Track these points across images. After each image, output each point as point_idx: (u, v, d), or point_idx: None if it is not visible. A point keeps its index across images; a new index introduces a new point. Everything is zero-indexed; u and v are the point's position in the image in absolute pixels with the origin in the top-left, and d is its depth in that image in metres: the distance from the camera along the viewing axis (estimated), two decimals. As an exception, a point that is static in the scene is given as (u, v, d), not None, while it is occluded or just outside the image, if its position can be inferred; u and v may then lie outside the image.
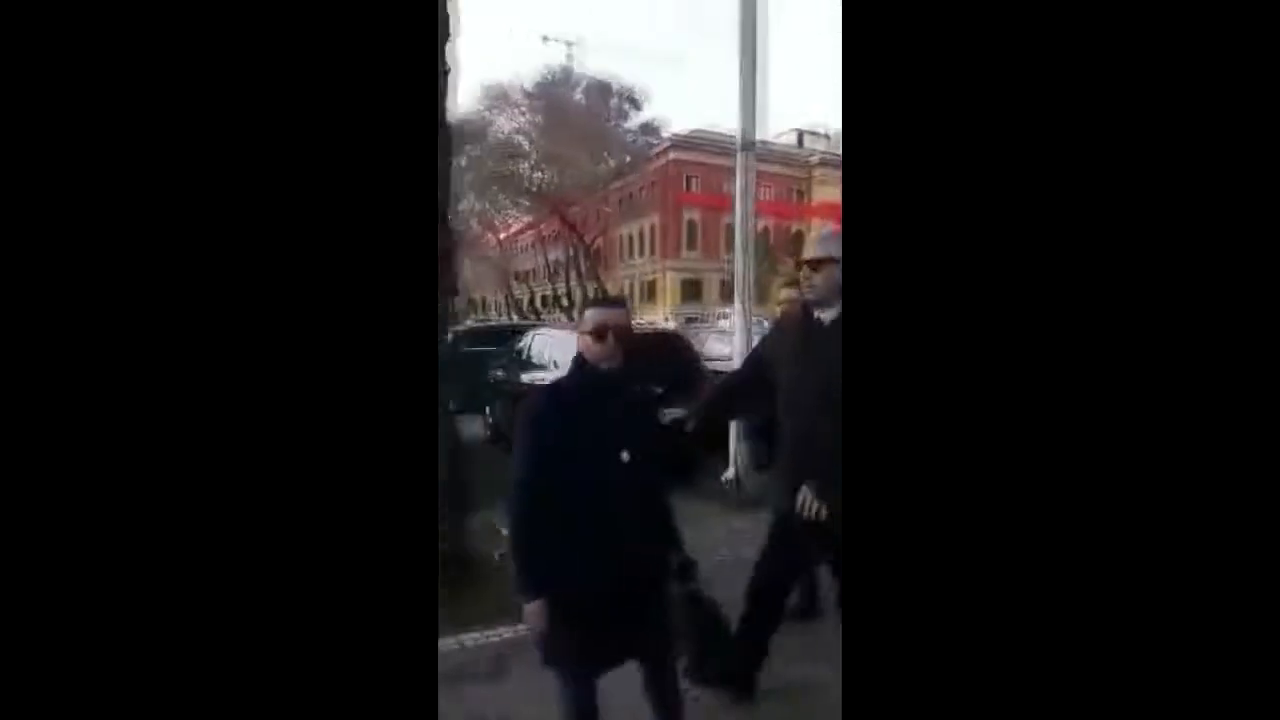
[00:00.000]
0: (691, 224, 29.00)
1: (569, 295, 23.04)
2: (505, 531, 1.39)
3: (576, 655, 1.37)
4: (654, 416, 1.52)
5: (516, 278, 30.63)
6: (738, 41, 4.20)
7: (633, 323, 1.46)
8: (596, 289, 22.22)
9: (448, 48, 2.76)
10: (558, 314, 22.66)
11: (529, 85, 19.36)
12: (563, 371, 1.45)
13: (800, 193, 31.40)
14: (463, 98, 18.75)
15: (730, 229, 4.68)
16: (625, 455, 1.35)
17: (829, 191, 29.47)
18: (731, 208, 4.47)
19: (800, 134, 33.92)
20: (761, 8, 4.18)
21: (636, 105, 20.89)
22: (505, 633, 2.31)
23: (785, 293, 2.56)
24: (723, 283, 26.05)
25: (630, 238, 30.95)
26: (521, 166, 20.58)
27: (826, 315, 1.79)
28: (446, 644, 2.32)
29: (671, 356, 4.79)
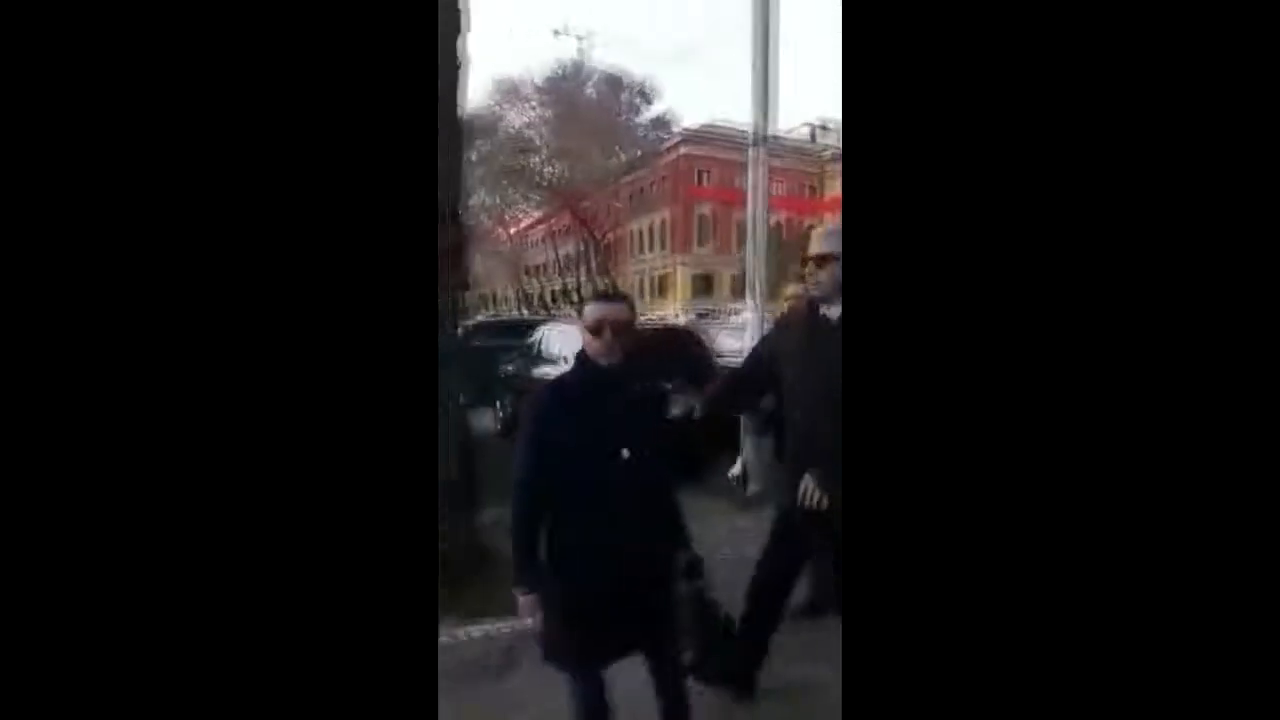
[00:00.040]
0: (703, 219, 28.90)
1: (579, 290, 23.08)
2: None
3: (573, 652, 1.37)
4: (659, 412, 1.49)
5: (528, 272, 30.74)
6: (750, 35, 4.16)
7: (635, 318, 1.44)
8: (607, 284, 22.25)
9: (459, 42, 2.76)
10: (568, 309, 22.74)
11: (540, 80, 19.38)
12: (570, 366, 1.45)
13: (813, 188, 31.17)
14: (474, 92, 18.78)
15: (742, 224, 4.66)
16: (625, 452, 1.33)
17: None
18: (744, 202, 4.44)
19: (813, 128, 33.65)
20: (774, 1, 4.14)
21: (648, 99, 20.86)
22: (517, 625, 2.33)
23: (792, 288, 2.55)
24: (734, 278, 25.97)
25: (642, 232, 30.91)
26: (533, 161, 20.63)
27: (831, 311, 1.78)
28: (458, 636, 2.34)
29: (681, 352, 4.79)
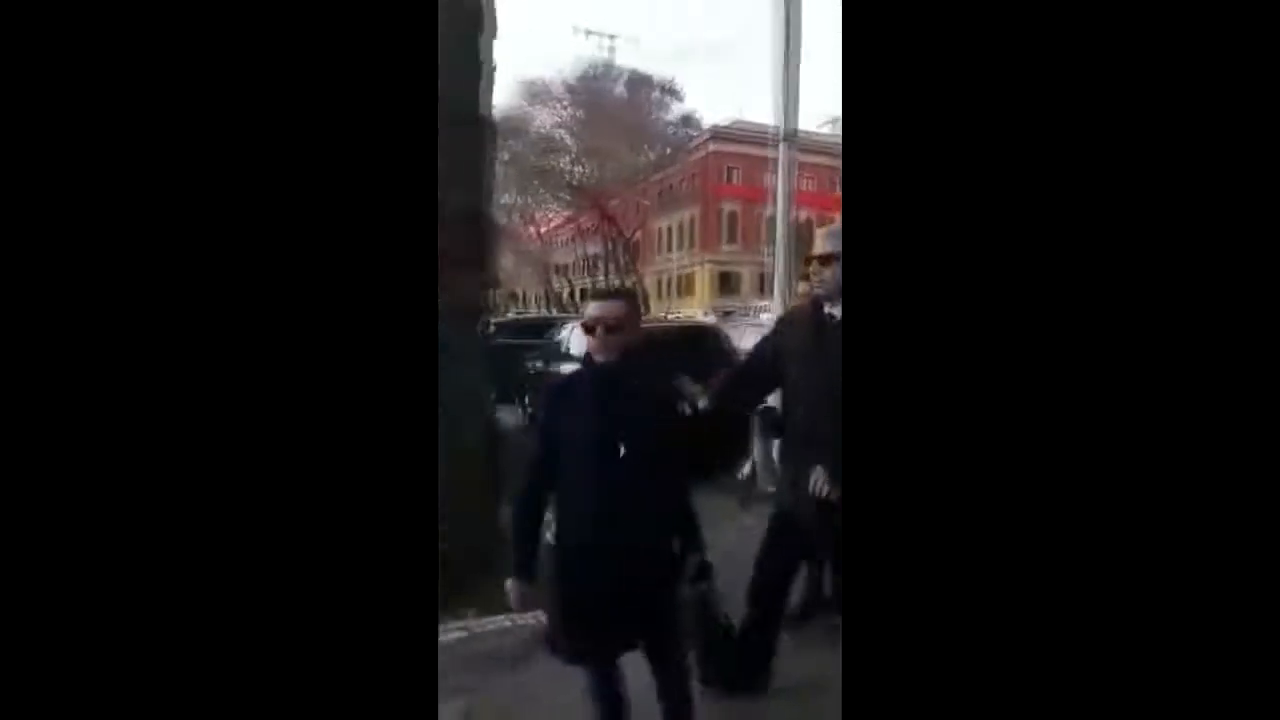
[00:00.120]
0: (731, 216, 28.69)
1: (606, 288, 23.11)
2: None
3: (571, 647, 1.39)
4: (661, 410, 1.44)
5: (556, 271, 30.93)
6: (777, 32, 4.13)
7: (637, 315, 1.42)
8: (633, 282, 22.27)
9: (488, 45, 2.82)
10: (595, 307, 22.68)
11: (570, 79, 19.48)
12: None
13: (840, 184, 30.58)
14: (504, 93, 18.98)
15: (769, 221, 4.63)
16: (622, 450, 1.32)
17: (873, 183, 28.47)
18: (770, 200, 4.42)
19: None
20: (803, -4, 4.11)
21: (677, 97, 20.80)
22: (541, 616, 2.37)
23: (803, 287, 2.54)
24: (761, 276, 25.72)
25: (669, 230, 30.83)
26: (562, 161, 20.75)
27: (835, 310, 1.78)
28: (482, 626, 2.40)
29: (699, 350, 4.76)
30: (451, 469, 2.58)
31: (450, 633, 2.38)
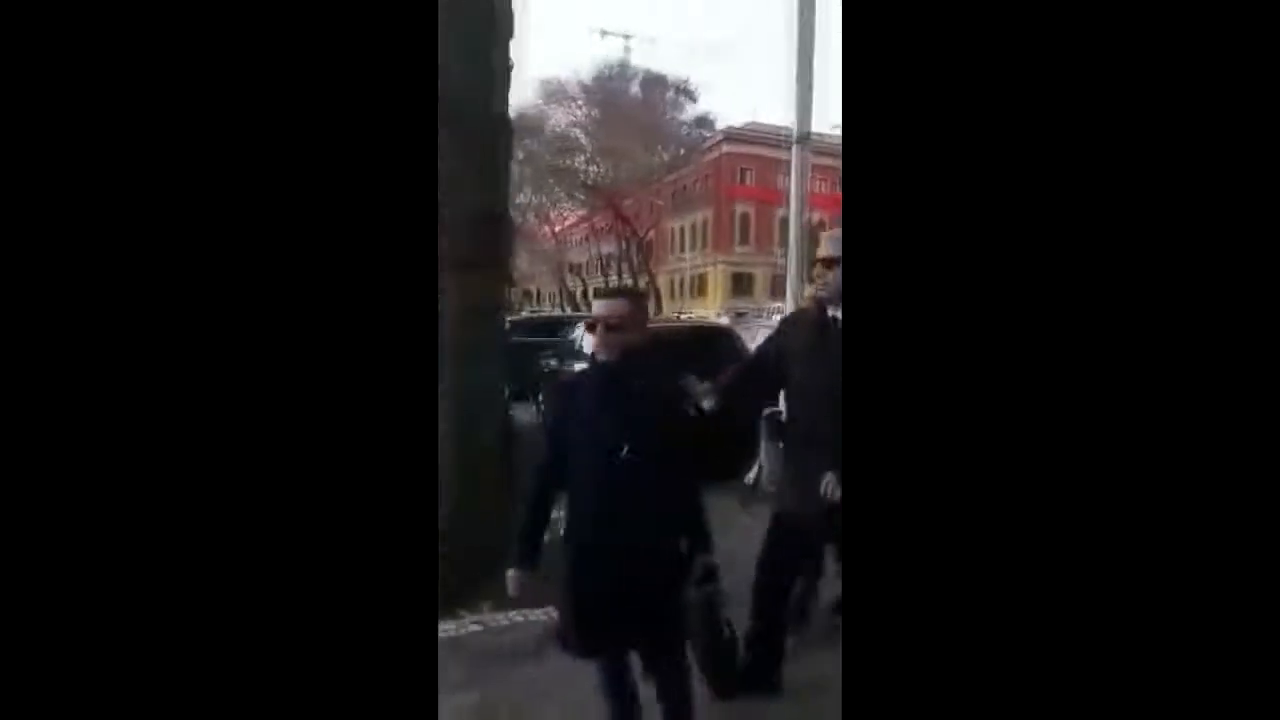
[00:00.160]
0: (744, 217, 28.58)
1: (619, 288, 23.11)
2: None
3: (576, 642, 1.41)
4: (665, 409, 1.41)
5: (570, 270, 31.02)
6: (793, 33, 4.13)
7: (640, 314, 1.41)
8: (645, 282, 22.27)
9: (507, 46, 2.84)
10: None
11: (586, 79, 19.52)
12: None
13: (858, 185, 30.26)
14: (520, 92, 19.07)
15: (783, 222, 4.63)
16: (624, 449, 1.32)
17: (889, 184, 28.18)
18: (784, 201, 4.41)
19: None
20: (820, -2, 4.10)
21: (692, 98, 20.76)
22: (553, 611, 2.40)
23: (809, 289, 2.55)
24: (774, 278, 25.60)
25: (682, 231, 30.80)
26: (577, 160, 20.80)
27: (839, 314, 1.79)
28: (497, 621, 2.43)
29: (711, 351, 4.75)
30: (466, 466, 2.61)
31: (466, 627, 2.41)
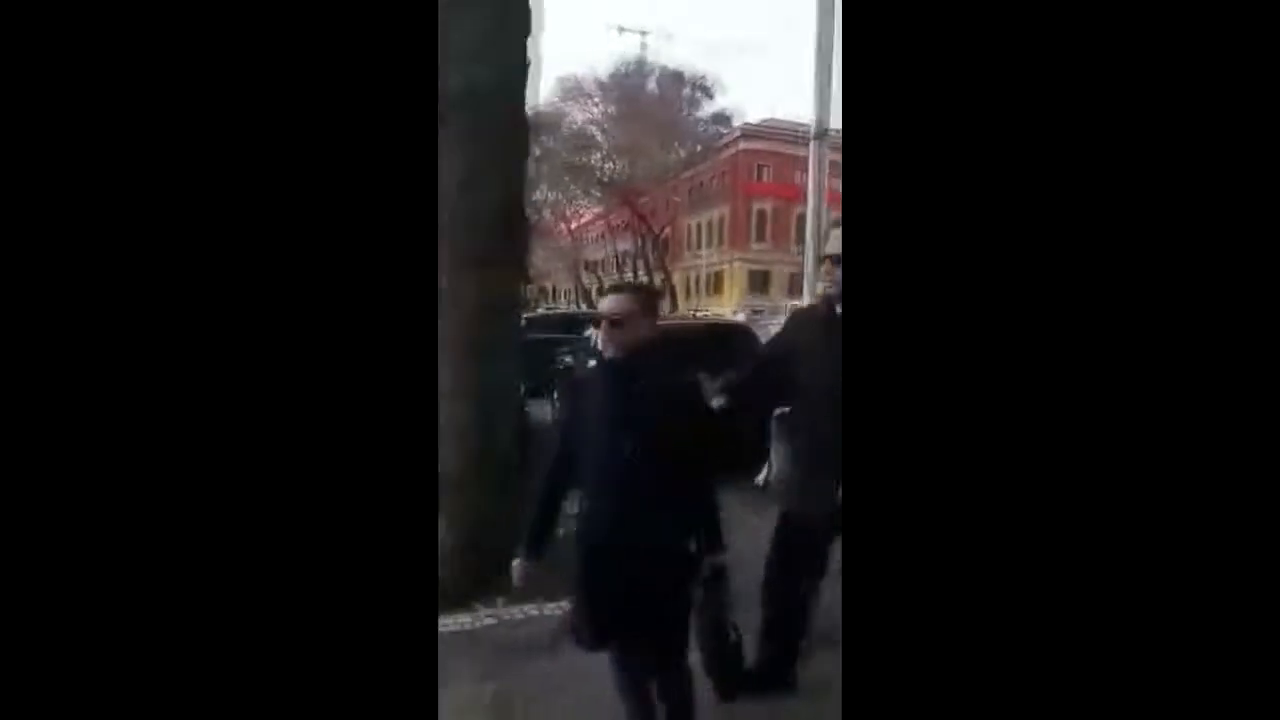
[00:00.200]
0: (761, 214, 28.43)
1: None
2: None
3: (586, 635, 1.42)
4: (675, 407, 1.38)
5: (586, 267, 31.10)
6: (812, 29, 4.09)
7: (645, 311, 1.39)
8: (662, 279, 22.25)
9: (525, 41, 2.85)
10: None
11: (603, 76, 19.54)
12: None
13: (878, 182, 29.87)
14: (538, 90, 19.13)
15: (801, 219, 4.60)
16: (627, 447, 1.32)
17: (909, 180, 27.82)
18: (803, 197, 4.39)
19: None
20: (841, -9, 4.06)
21: (709, 94, 20.67)
22: (567, 606, 2.42)
23: (821, 287, 2.53)
24: (792, 275, 25.43)
25: (699, 228, 30.73)
26: (594, 157, 20.83)
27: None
28: (513, 614, 2.45)
29: (726, 349, 4.72)
30: (482, 463, 2.63)
31: (481, 620, 2.44)
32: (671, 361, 1.46)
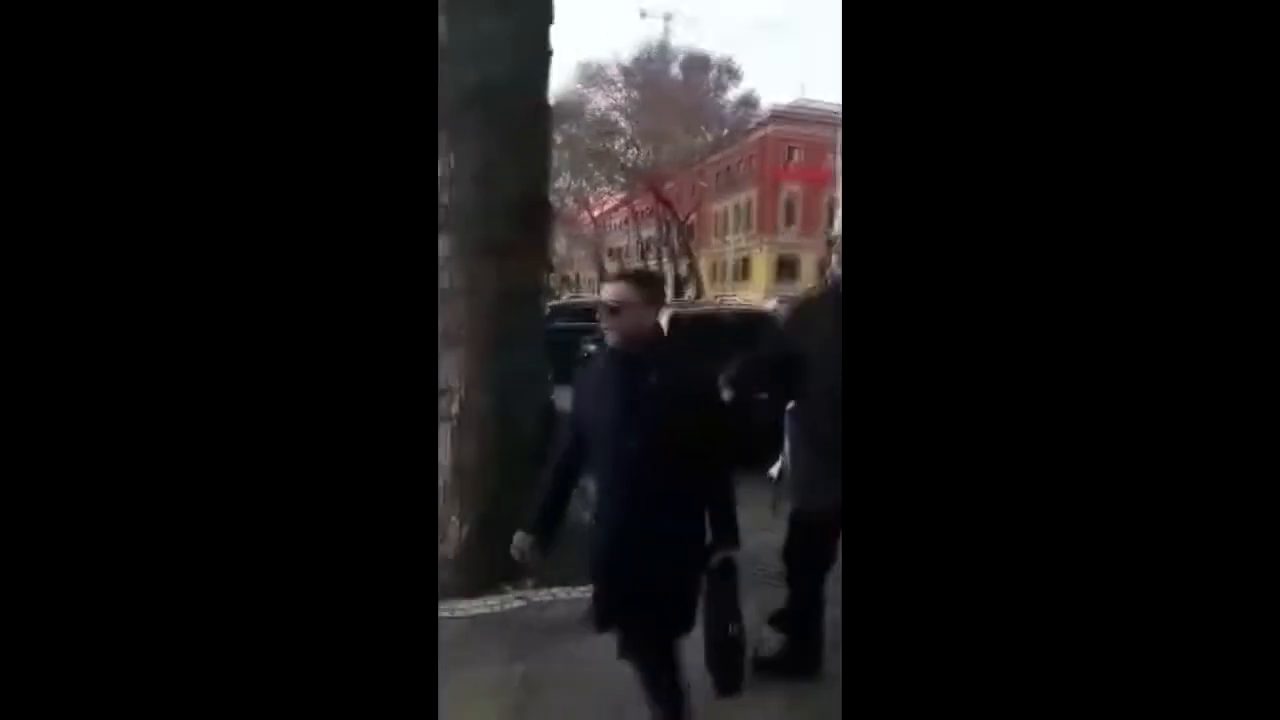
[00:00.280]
0: (790, 199, 27.97)
1: (659, 272, 23.13)
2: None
3: (596, 617, 1.45)
4: (680, 397, 1.34)
5: (610, 254, 31.10)
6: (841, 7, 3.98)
7: (645, 299, 1.37)
8: (688, 265, 22.10)
9: (547, 30, 2.84)
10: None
11: (626, 61, 19.37)
12: None
13: (910, 162, 29.07)
14: (559, 76, 19.08)
15: (832, 204, 4.50)
16: (631, 438, 1.31)
17: (943, 160, 27.06)
18: (833, 181, 4.29)
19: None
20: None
21: (735, 77, 20.34)
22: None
23: (827, 270, 2.47)
24: (820, 260, 24.98)
25: (726, 213, 30.41)
26: (617, 144, 20.72)
27: None
28: (541, 597, 2.50)
29: (752, 337, 4.67)
30: (508, 450, 2.67)
31: (510, 603, 2.49)
32: (673, 349, 1.44)
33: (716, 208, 30.18)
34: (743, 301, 16.18)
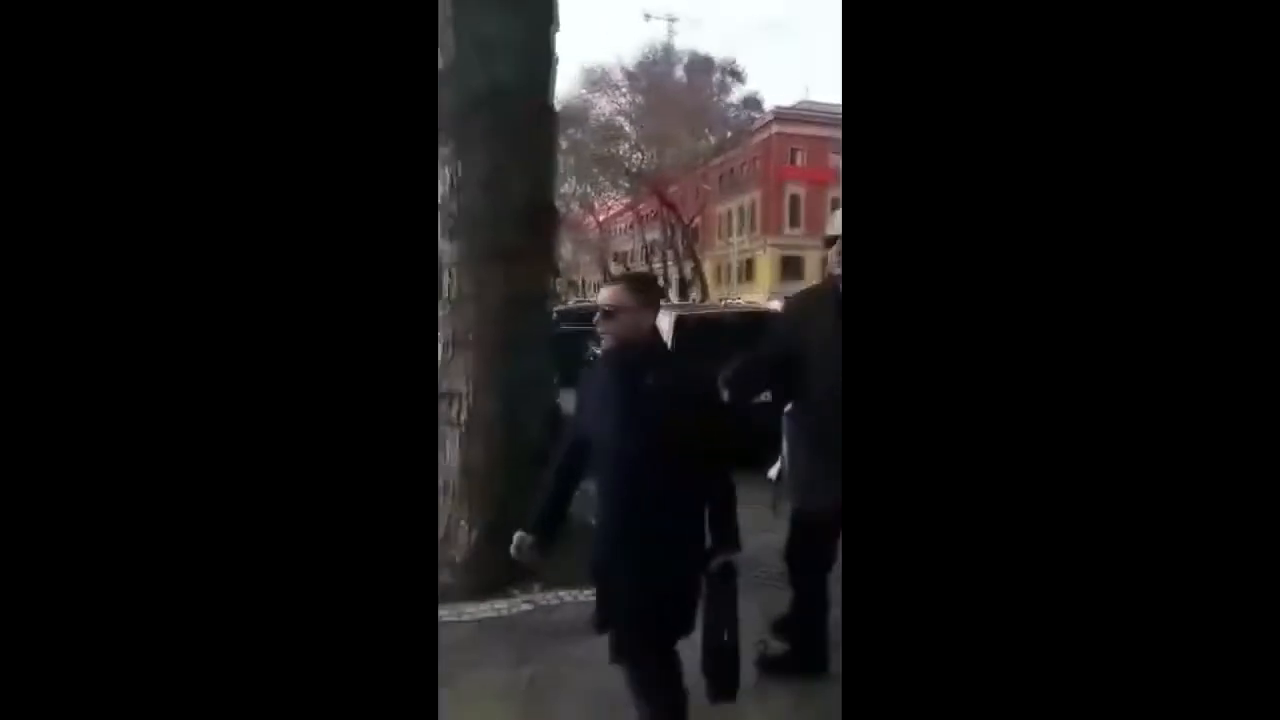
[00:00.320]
0: (794, 199, 27.92)
1: (664, 276, 23.13)
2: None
3: (596, 620, 1.46)
4: (674, 399, 1.33)
5: (615, 258, 31.13)
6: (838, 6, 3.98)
7: (638, 302, 1.37)
8: (694, 267, 22.10)
9: (553, 36, 2.87)
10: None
11: (629, 65, 19.42)
12: None
13: (915, 162, 29.00)
14: (564, 81, 19.12)
15: (835, 203, 4.50)
16: (624, 438, 1.32)
17: (948, 160, 26.98)
18: (837, 180, 4.28)
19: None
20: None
21: (739, 79, 20.34)
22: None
23: (826, 268, 2.47)
24: (825, 260, 24.85)
25: (730, 215, 30.39)
26: (622, 148, 20.76)
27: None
28: (548, 600, 2.51)
29: (750, 336, 4.65)
30: (515, 454, 2.69)
31: (518, 606, 2.50)
32: (669, 351, 1.45)
33: (721, 210, 30.16)
34: (747, 303, 16.15)
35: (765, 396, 2.06)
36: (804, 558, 1.94)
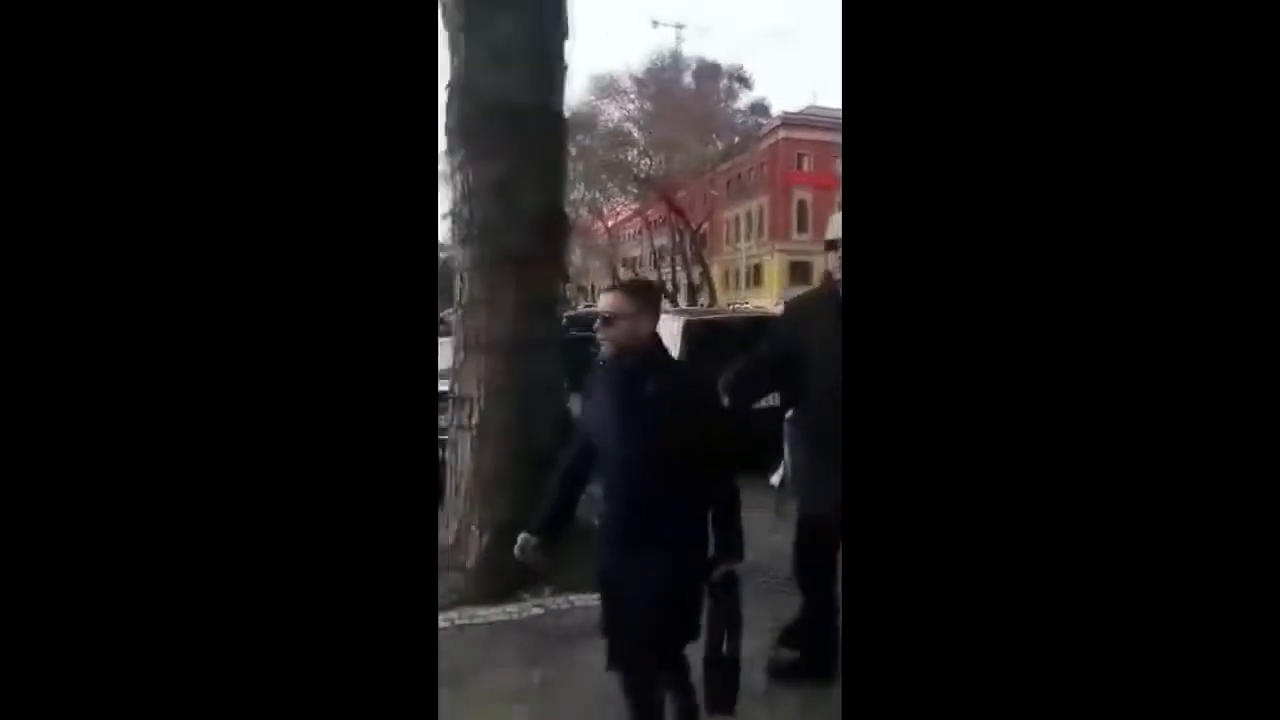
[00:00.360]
0: (802, 204, 27.88)
1: (673, 281, 23.15)
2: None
3: (601, 624, 1.46)
4: (673, 405, 1.32)
5: (624, 264, 31.17)
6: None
7: (638, 308, 1.37)
8: (701, 273, 22.10)
9: (562, 43, 2.90)
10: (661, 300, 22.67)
11: (638, 72, 19.51)
12: None
13: (924, 167, 28.87)
14: (572, 89, 19.21)
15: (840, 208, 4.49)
16: (626, 444, 1.33)
17: (957, 164, 26.85)
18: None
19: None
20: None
21: (747, 85, 20.37)
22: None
23: (825, 270, 2.47)
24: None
25: (738, 220, 30.38)
26: (630, 154, 20.83)
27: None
28: (557, 604, 2.52)
29: (756, 341, 4.63)
30: (523, 460, 2.70)
31: (528, 610, 2.51)
32: (669, 356, 1.44)
33: (728, 215, 30.17)
34: (755, 308, 16.11)
35: (771, 401, 2.06)
36: (811, 563, 1.94)
